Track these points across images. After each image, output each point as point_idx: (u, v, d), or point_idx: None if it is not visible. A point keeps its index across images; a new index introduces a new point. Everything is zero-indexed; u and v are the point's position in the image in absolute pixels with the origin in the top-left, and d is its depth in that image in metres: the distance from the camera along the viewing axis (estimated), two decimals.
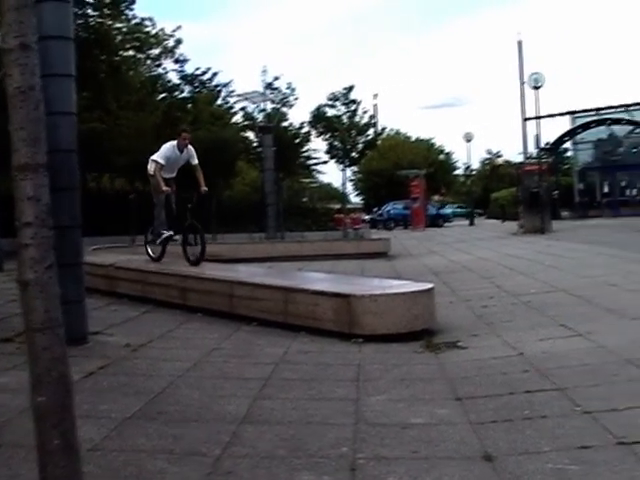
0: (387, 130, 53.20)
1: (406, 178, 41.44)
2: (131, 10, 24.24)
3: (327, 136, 37.73)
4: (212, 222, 18.82)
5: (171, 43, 27.65)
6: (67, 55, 5.90)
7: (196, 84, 31.47)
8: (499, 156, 69.02)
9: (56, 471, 2.22)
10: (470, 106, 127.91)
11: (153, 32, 26.41)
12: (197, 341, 6.32)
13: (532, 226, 24.28)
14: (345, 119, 38.32)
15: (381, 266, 14.37)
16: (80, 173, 6.36)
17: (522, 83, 32.02)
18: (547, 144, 36.99)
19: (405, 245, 21.97)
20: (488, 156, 70.92)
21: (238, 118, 36.03)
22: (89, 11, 22.54)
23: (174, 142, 9.69)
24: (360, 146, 39.31)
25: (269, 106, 32.41)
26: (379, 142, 46.60)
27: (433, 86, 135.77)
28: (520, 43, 32.71)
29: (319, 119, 37.67)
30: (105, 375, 4.82)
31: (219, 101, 34.13)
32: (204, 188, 9.49)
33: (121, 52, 25.01)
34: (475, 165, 65.74)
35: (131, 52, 25.95)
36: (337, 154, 37.78)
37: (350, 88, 38.33)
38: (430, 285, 7.05)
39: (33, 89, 2.22)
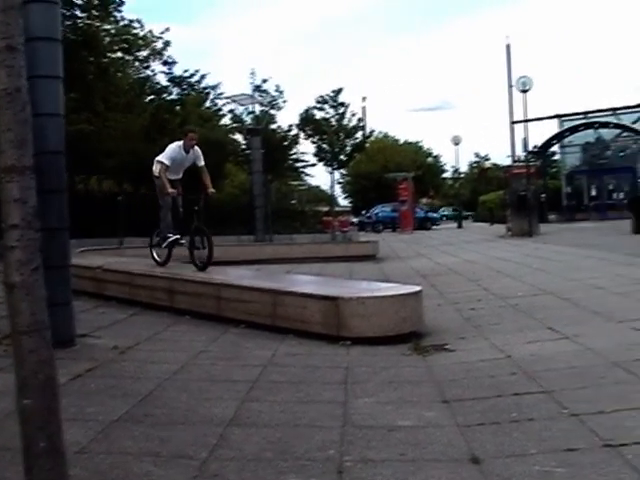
0: (375, 133, 53.15)
1: (394, 181, 41.64)
2: (119, 12, 24.14)
3: (315, 139, 37.63)
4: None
5: (159, 45, 27.49)
6: (55, 56, 5.86)
7: (184, 86, 31.33)
8: (487, 159, 69.35)
9: (42, 474, 2.21)
10: (458, 109, 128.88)
11: (141, 34, 26.26)
12: (184, 343, 6.30)
13: (520, 229, 24.40)
14: (333, 122, 38.23)
15: (369, 269, 14.39)
16: (68, 175, 6.31)
17: (510, 86, 32.31)
18: (535, 147, 37.26)
19: (393, 248, 22.02)
20: (476, 159, 71.31)
21: (226, 120, 36.02)
22: (77, 12, 22.43)
23: (180, 142, 9.25)
24: (348, 149, 39.22)
25: (257, 108, 32.34)
26: (367, 145, 46.60)
27: (421, 89, 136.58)
28: (508, 47, 33.07)
29: (307, 122, 37.58)
30: (92, 378, 4.80)
31: (207, 103, 34.06)
32: (211, 190, 9.11)
33: (109, 54, 24.89)
34: (463, 168, 65.92)
35: (119, 54, 25.82)
36: (325, 157, 37.70)
37: (339, 91, 38.28)
38: (418, 288, 7.07)
39: (20, 91, 2.21)
